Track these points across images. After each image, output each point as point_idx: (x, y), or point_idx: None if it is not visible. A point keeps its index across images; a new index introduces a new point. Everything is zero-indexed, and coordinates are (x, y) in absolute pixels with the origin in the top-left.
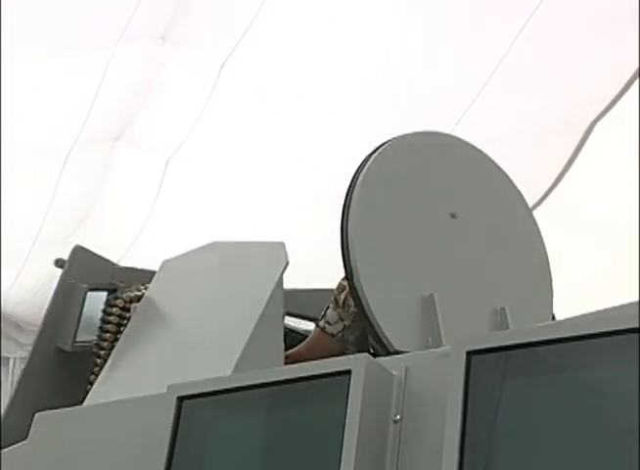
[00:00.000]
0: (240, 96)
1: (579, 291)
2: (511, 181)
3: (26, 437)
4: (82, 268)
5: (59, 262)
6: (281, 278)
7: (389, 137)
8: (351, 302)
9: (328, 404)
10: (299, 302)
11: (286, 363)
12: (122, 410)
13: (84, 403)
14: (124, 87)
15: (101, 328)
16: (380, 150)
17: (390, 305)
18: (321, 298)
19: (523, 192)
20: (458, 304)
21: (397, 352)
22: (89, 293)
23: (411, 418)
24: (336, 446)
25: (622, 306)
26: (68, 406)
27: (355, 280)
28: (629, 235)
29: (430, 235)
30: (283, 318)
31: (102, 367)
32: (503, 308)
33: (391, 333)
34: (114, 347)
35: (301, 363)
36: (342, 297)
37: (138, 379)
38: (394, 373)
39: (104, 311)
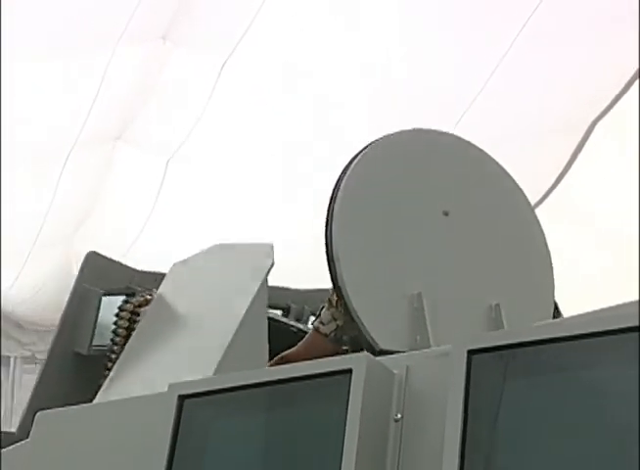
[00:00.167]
0: (240, 96)
1: (580, 289)
2: (510, 178)
3: None
4: (97, 274)
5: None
6: (265, 279)
7: None
8: None
9: (329, 403)
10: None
11: (283, 364)
12: (123, 409)
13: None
14: (125, 87)
15: (113, 332)
16: (365, 150)
17: (376, 303)
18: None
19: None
20: (450, 301)
21: (384, 352)
22: (105, 298)
23: (412, 417)
24: (337, 445)
25: (623, 305)
26: None
27: (339, 279)
28: (629, 234)
29: (420, 233)
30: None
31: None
32: (498, 305)
33: (377, 332)
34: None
35: (302, 362)
36: (335, 297)
37: (141, 380)
38: (395, 372)
39: (116, 316)
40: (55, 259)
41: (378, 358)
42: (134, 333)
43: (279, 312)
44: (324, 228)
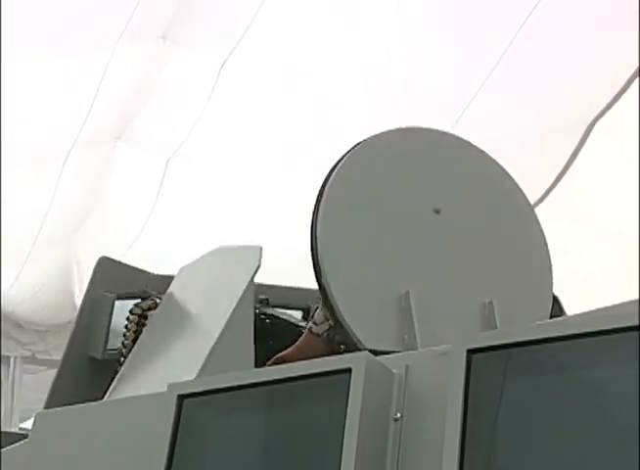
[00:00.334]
0: (240, 96)
1: (580, 289)
2: (507, 175)
3: None
4: (109, 278)
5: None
6: (251, 281)
7: None
8: None
9: (328, 403)
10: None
11: (279, 364)
12: (123, 409)
13: None
14: (124, 87)
15: (123, 336)
16: (352, 150)
17: (361, 303)
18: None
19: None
20: (441, 300)
21: (371, 352)
22: (118, 302)
23: (412, 417)
24: (336, 444)
25: (623, 305)
26: None
27: (323, 279)
28: (629, 233)
29: (409, 232)
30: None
31: None
32: (491, 302)
33: (362, 332)
34: None
35: (301, 362)
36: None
37: (140, 384)
38: (395, 371)
39: (126, 319)
40: (55, 259)
41: (377, 358)
42: (140, 336)
43: (299, 313)
44: (310, 228)
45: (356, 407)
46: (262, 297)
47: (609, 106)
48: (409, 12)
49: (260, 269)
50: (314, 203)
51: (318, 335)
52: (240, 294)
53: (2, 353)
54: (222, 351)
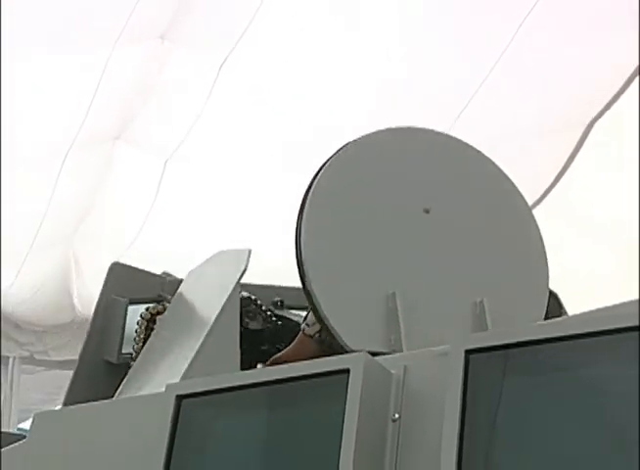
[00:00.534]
0: (239, 96)
1: (579, 289)
2: (504, 175)
3: None
4: (123, 283)
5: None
6: (237, 284)
7: None
8: None
9: (326, 403)
10: None
11: (275, 365)
12: (121, 409)
13: None
14: (124, 86)
15: (134, 340)
16: (342, 149)
17: (345, 304)
18: None
19: (521, 191)
20: (431, 300)
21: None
22: (132, 306)
23: (410, 417)
24: (334, 444)
25: (623, 305)
26: None
27: (307, 283)
28: (628, 234)
29: (397, 232)
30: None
31: None
32: (482, 302)
33: (346, 333)
34: None
35: (300, 362)
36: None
37: (139, 387)
38: (393, 372)
39: (137, 324)
40: (54, 259)
41: (376, 358)
42: (148, 340)
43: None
44: (294, 233)
45: (354, 408)
46: (276, 299)
47: (608, 105)
48: (408, 12)
49: (270, 271)
50: (300, 205)
51: (310, 336)
52: (224, 299)
53: (1, 354)
54: (207, 353)
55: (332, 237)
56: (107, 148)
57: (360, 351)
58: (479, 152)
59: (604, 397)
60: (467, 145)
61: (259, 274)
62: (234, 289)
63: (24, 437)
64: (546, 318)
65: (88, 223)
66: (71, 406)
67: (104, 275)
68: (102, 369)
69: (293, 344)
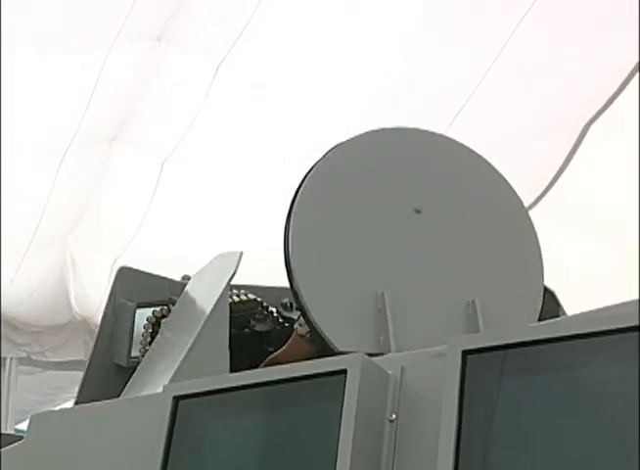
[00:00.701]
0: (236, 97)
1: (578, 290)
2: (499, 174)
3: None
4: (131, 287)
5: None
6: (226, 287)
7: None
8: None
9: (323, 404)
10: None
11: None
12: (118, 410)
13: None
14: (121, 87)
15: (141, 343)
16: (331, 150)
17: (333, 305)
18: None
19: (518, 192)
20: (421, 300)
21: (343, 354)
22: (140, 310)
23: (407, 418)
24: (331, 445)
25: (621, 305)
26: None
27: (294, 284)
28: (628, 233)
29: (387, 232)
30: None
31: None
32: (473, 301)
33: (333, 334)
34: None
35: (296, 363)
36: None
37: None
38: (390, 372)
39: (144, 327)
40: (51, 260)
41: (373, 359)
42: (152, 343)
43: None
44: (283, 232)
45: (351, 408)
46: (285, 300)
47: (605, 107)
48: (406, 13)
49: (280, 272)
50: (288, 206)
51: (302, 336)
52: (213, 301)
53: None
54: (195, 356)
55: (320, 238)
56: (104, 148)
57: (349, 352)
58: (473, 152)
59: (601, 397)
60: (461, 145)
61: (269, 276)
62: (223, 292)
63: (22, 438)
64: (543, 316)
65: (85, 224)
66: (68, 407)
67: (101, 276)
68: (112, 372)
69: (286, 344)
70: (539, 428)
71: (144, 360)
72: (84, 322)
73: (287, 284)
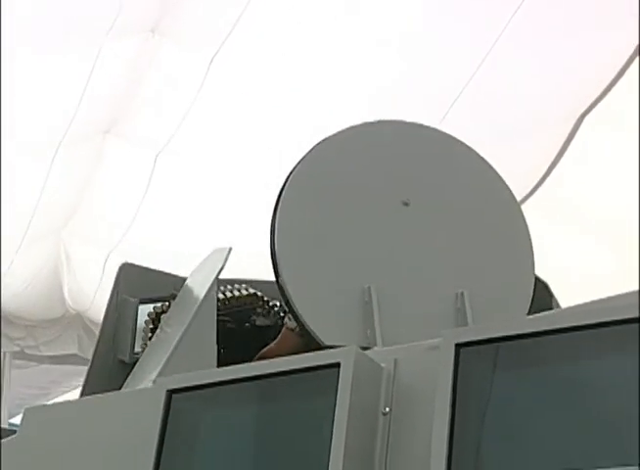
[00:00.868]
0: (230, 89)
1: (574, 284)
2: (490, 167)
3: None
4: (134, 283)
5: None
6: (214, 282)
7: None
8: None
9: (317, 397)
10: None
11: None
12: (112, 404)
13: None
14: (114, 80)
15: (142, 339)
16: (318, 144)
17: (320, 301)
18: None
19: (510, 186)
20: (409, 293)
21: (330, 347)
22: (143, 306)
23: (400, 411)
24: (325, 438)
25: (617, 297)
26: None
27: (280, 279)
28: (621, 227)
29: (374, 225)
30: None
31: None
32: (462, 294)
33: (319, 327)
34: None
35: (290, 356)
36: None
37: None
38: (383, 366)
39: (145, 323)
40: (44, 254)
41: (366, 352)
42: (152, 338)
43: None
44: (269, 226)
45: (345, 401)
46: None
47: (598, 99)
48: (401, 7)
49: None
50: (275, 200)
51: (292, 330)
52: (201, 296)
53: None
54: (183, 350)
55: (306, 232)
56: (97, 142)
57: (337, 346)
58: (463, 144)
59: (593, 390)
60: (451, 137)
61: (265, 270)
62: (210, 288)
63: (15, 432)
64: (535, 308)
65: (79, 218)
66: (62, 401)
67: (94, 270)
68: (116, 368)
69: (277, 338)
70: (532, 421)
71: (143, 356)
72: (78, 316)
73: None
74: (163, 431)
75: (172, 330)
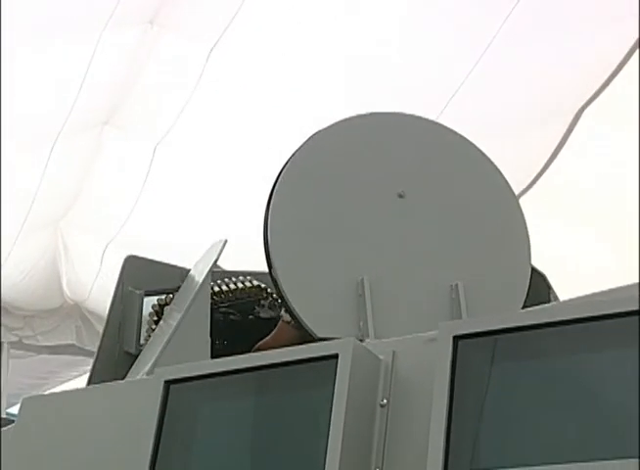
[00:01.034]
0: (229, 79)
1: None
2: (487, 159)
3: None
4: (139, 275)
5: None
6: (208, 275)
7: None
8: None
9: (315, 388)
10: None
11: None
12: (110, 394)
13: None
14: (113, 71)
15: (146, 331)
16: (312, 137)
17: (313, 293)
18: None
19: (509, 178)
20: (403, 285)
21: (323, 340)
22: (148, 298)
23: (398, 402)
24: (323, 429)
25: (616, 290)
26: None
27: (273, 272)
28: (619, 219)
29: (369, 218)
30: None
31: None
32: (457, 285)
33: (312, 320)
34: None
35: (289, 347)
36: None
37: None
38: (381, 357)
39: (149, 315)
40: (43, 244)
41: (364, 344)
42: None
43: None
44: (263, 220)
45: (343, 393)
46: None
47: (597, 93)
48: (395, 2)
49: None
50: (269, 192)
51: (288, 323)
52: (196, 288)
53: None
54: (176, 342)
55: (300, 224)
56: (96, 133)
57: (329, 338)
58: (459, 135)
59: (592, 382)
60: (447, 129)
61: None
62: (204, 280)
63: (13, 421)
64: (533, 299)
65: (77, 209)
66: (60, 391)
67: (93, 261)
68: (122, 359)
69: (273, 331)
70: (530, 413)
71: (145, 347)
72: (76, 307)
73: None
74: (161, 421)
75: (171, 322)
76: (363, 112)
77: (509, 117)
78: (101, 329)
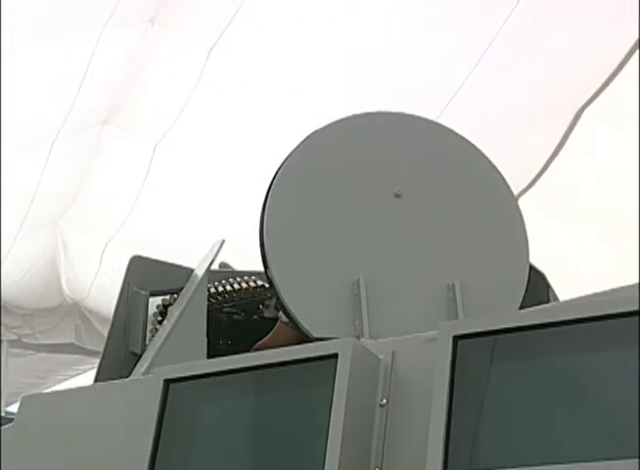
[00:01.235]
0: (229, 79)
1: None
2: (486, 158)
3: None
4: (144, 276)
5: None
6: (204, 275)
7: None
8: None
9: (314, 388)
10: None
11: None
12: (109, 393)
13: None
14: (113, 70)
15: (150, 331)
16: (309, 136)
17: (309, 293)
18: None
19: (509, 178)
20: (400, 285)
21: (320, 340)
22: (153, 298)
23: (397, 402)
24: (322, 429)
25: (617, 290)
26: None
27: (269, 272)
28: (619, 218)
29: (366, 217)
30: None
31: None
32: (453, 285)
33: (307, 319)
34: None
35: (288, 347)
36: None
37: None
38: (381, 357)
39: (153, 315)
40: (42, 243)
41: (364, 343)
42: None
43: None
44: (259, 220)
45: (342, 393)
46: None
47: (597, 93)
48: (396, 1)
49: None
50: (265, 192)
51: (286, 323)
52: (193, 289)
53: None
54: (172, 342)
55: (296, 224)
56: (95, 132)
57: (325, 338)
58: (457, 135)
59: (592, 383)
60: (445, 128)
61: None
62: (200, 280)
63: (13, 420)
64: (532, 299)
65: (77, 208)
66: (59, 390)
67: (92, 260)
68: (127, 359)
69: (272, 331)
70: (530, 413)
71: (148, 347)
72: (75, 305)
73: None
74: (161, 420)
75: (170, 322)
76: (363, 112)
77: (509, 117)
78: (100, 328)
